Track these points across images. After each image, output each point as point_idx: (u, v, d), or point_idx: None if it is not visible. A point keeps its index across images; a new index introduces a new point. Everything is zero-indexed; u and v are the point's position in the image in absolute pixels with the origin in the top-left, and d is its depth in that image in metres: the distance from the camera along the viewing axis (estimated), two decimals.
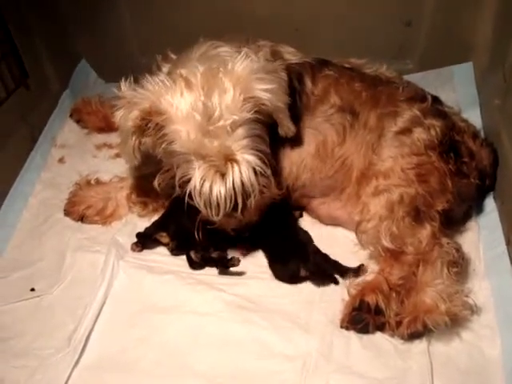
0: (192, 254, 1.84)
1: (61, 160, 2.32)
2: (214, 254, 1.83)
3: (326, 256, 1.81)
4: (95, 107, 2.46)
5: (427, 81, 2.28)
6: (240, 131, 1.59)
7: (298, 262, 1.76)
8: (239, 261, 1.79)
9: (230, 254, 1.88)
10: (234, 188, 1.57)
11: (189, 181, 1.60)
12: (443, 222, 1.77)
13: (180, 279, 1.81)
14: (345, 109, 1.91)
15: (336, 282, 1.77)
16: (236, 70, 1.60)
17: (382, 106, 1.89)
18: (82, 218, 2.03)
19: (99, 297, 1.74)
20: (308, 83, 1.93)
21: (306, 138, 1.92)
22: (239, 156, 1.58)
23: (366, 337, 1.63)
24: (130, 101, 1.61)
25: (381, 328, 1.64)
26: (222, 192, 1.57)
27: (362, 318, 1.63)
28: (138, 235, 1.93)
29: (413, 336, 1.59)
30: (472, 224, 1.92)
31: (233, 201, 1.60)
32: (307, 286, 1.79)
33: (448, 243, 1.72)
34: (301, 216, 2.04)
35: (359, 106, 1.91)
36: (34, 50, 2.35)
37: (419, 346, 1.59)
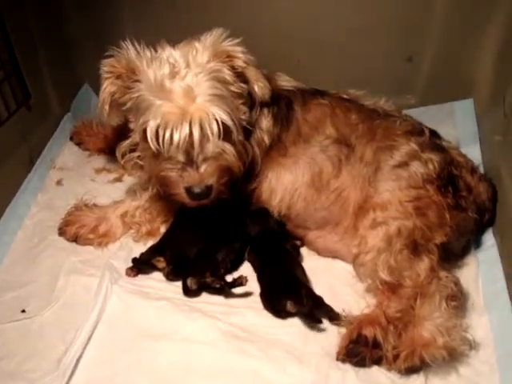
0: (188, 281, 1.80)
1: (59, 182, 2.31)
2: (209, 280, 1.79)
3: (319, 300, 1.74)
4: (96, 129, 2.49)
5: (428, 116, 2.29)
6: (206, 83, 1.65)
7: (291, 301, 1.70)
8: (247, 280, 1.78)
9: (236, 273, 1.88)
10: (191, 130, 1.61)
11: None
12: (441, 255, 1.76)
13: (174, 306, 1.78)
14: (341, 141, 1.93)
15: (320, 322, 1.71)
16: (209, 38, 1.73)
17: (379, 140, 1.91)
18: (76, 238, 2.01)
19: (91, 320, 1.70)
20: (297, 108, 1.97)
21: (301, 166, 1.95)
22: (202, 102, 1.63)
23: (362, 370, 1.60)
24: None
25: (378, 362, 1.61)
26: (182, 129, 1.61)
27: (359, 351, 1.60)
28: (134, 260, 1.90)
29: (410, 370, 1.56)
30: (471, 258, 1.92)
31: (191, 142, 1.63)
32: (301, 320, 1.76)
33: (446, 277, 1.71)
34: (302, 245, 2.02)
35: (355, 139, 1.93)
36: (37, 71, 2.37)
37: (416, 380, 1.57)
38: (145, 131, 1.66)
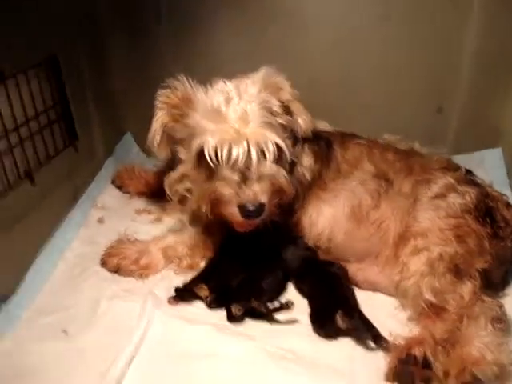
0: (233, 307, 1.80)
1: (100, 220, 2.36)
2: (255, 304, 1.80)
3: (368, 320, 1.76)
4: (138, 173, 2.58)
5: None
6: (258, 112, 1.76)
7: (342, 311, 1.72)
8: (293, 304, 1.78)
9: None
10: (249, 148, 1.69)
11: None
12: (483, 282, 1.77)
13: (218, 329, 1.78)
14: (379, 176, 2.01)
15: (378, 342, 1.70)
16: (258, 73, 1.86)
17: (416, 174, 1.99)
18: (117, 269, 2.03)
19: (133, 342, 1.70)
20: (337, 148, 2.07)
21: (341, 200, 2.02)
22: (256, 126, 1.73)
23: None
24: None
25: (427, 382, 1.57)
26: (240, 146, 1.68)
27: (409, 370, 1.58)
28: (177, 289, 1.91)
29: None
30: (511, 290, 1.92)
31: (247, 162, 1.71)
32: (348, 342, 1.74)
33: (491, 301, 1.72)
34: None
35: (393, 174, 2.00)
36: (86, 116, 2.50)
37: None
38: (199, 154, 1.75)
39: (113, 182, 2.63)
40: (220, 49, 2.55)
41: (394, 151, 2.08)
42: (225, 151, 1.69)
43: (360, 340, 1.72)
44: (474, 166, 2.45)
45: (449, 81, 2.50)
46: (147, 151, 2.75)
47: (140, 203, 2.51)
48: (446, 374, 1.55)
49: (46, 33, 2.13)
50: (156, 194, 2.45)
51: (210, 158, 1.71)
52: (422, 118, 2.56)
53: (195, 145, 1.75)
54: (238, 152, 1.68)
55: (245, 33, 2.56)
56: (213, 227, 2.06)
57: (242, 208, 1.72)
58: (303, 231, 2.06)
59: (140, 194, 2.55)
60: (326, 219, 2.02)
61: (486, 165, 2.37)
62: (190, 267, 2.06)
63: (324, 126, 2.15)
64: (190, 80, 1.86)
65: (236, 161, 1.70)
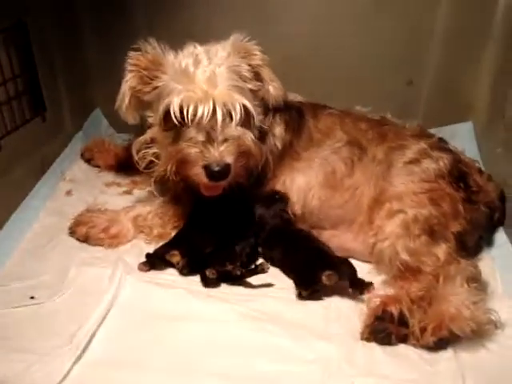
0: (207, 271, 1.76)
1: (68, 192, 2.30)
2: (230, 267, 1.76)
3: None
4: (107, 146, 2.54)
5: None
6: (227, 75, 1.73)
7: (329, 275, 1.68)
8: (268, 267, 1.75)
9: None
10: (214, 107, 1.66)
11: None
12: (458, 246, 1.78)
13: (190, 293, 1.73)
14: (352, 143, 2.00)
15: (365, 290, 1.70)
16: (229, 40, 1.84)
17: (390, 141, 1.99)
18: (86, 238, 1.97)
19: (104, 303, 1.64)
20: (309, 118, 2.06)
21: (314, 168, 2.00)
22: (224, 88, 1.70)
23: (389, 348, 1.55)
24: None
25: (404, 339, 1.57)
26: (206, 105, 1.66)
27: (385, 327, 1.56)
28: (148, 255, 1.87)
29: (439, 343, 1.52)
30: (485, 256, 1.93)
31: (213, 123, 1.68)
32: (322, 304, 1.72)
33: (466, 261, 1.72)
34: None
35: (366, 142, 2.00)
36: (55, 89, 2.45)
37: (445, 354, 1.52)
38: (166, 115, 1.72)
39: (82, 156, 2.57)
40: (195, 25, 2.52)
41: (366, 120, 2.08)
42: (190, 109, 1.66)
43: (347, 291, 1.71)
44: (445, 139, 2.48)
45: (419, 54, 2.52)
46: (117, 127, 2.74)
47: (110, 177, 2.46)
48: (423, 330, 1.54)
49: None
50: (126, 168, 2.41)
51: (175, 117, 1.68)
52: (393, 92, 2.57)
53: (162, 105, 1.73)
54: (203, 111, 1.66)
55: (219, 10, 2.54)
56: (183, 197, 2.03)
57: (207, 168, 1.69)
58: None
59: (110, 168, 2.49)
60: (299, 187, 2.00)
61: (458, 139, 2.37)
62: (161, 237, 2.01)
63: (295, 97, 2.14)
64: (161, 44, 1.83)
65: (201, 120, 1.67)
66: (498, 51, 2.38)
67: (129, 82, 1.83)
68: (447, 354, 1.51)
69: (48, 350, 1.48)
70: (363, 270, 1.85)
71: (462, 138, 2.46)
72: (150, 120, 1.87)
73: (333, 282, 1.69)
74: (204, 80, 1.70)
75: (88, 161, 2.54)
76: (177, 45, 1.84)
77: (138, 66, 1.82)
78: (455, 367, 1.46)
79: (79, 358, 1.45)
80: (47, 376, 1.39)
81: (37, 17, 2.26)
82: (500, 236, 1.97)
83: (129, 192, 2.32)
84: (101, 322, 1.58)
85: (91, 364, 1.45)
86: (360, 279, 1.72)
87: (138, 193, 2.32)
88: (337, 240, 1.97)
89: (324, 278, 1.67)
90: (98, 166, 2.52)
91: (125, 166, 2.42)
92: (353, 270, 1.73)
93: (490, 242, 1.97)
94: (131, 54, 1.83)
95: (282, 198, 1.99)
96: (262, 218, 1.99)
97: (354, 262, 1.90)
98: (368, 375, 1.44)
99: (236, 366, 1.47)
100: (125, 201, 2.22)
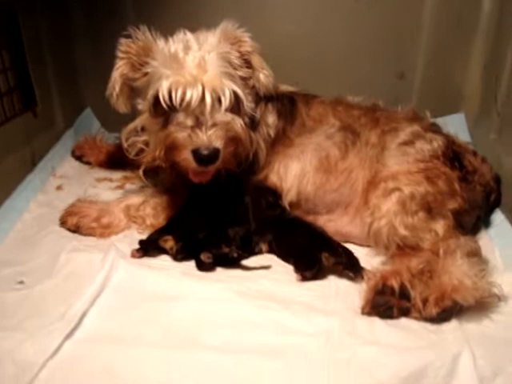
0: (202, 255, 1.72)
1: (59, 187, 2.25)
2: (226, 249, 1.72)
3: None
4: (99, 143, 2.52)
5: None
6: (217, 61, 1.72)
7: (326, 253, 1.67)
8: (266, 248, 1.71)
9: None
10: (203, 92, 1.65)
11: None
12: (455, 224, 1.76)
13: (185, 275, 1.69)
14: (345, 129, 1.99)
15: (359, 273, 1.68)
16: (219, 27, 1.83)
17: (383, 125, 1.98)
18: (77, 228, 1.92)
19: (97, 284, 1.59)
20: (301, 106, 2.05)
21: (308, 154, 1.98)
22: (214, 74, 1.69)
23: (391, 321, 1.50)
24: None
25: (406, 313, 1.53)
26: (195, 89, 1.64)
27: (386, 300, 1.52)
28: (141, 241, 1.82)
29: (442, 314, 1.48)
30: (483, 235, 1.91)
31: (202, 108, 1.66)
32: (320, 283, 1.69)
33: (465, 237, 1.70)
34: None
35: (359, 127, 2.00)
36: (46, 85, 2.44)
37: (450, 325, 1.48)
38: (155, 101, 1.71)
39: (73, 153, 2.54)
40: (185, 22, 2.51)
41: (358, 108, 2.08)
42: (179, 93, 1.64)
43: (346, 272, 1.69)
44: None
45: (409, 48, 2.55)
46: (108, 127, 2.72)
47: (101, 173, 2.42)
48: (425, 301, 1.50)
49: None
50: (118, 164, 2.39)
51: (164, 101, 1.66)
52: (385, 85, 2.58)
53: (151, 90, 1.71)
54: (192, 94, 1.64)
55: (209, 8, 2.57)
56: (176, 187, 2.00)
57: (196, 152, 1.66)
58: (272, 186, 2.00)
59: (101, 164, 2.46)
60: (294, 173, 1.97)
61: (449, 130, 2.38)
62: (153, 227, 1.96)
63: (286, 87, 2.13)
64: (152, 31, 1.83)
65: (190, 104, 1.66)
66: (486, 41, 2.41)
67: (120, 69, 1.82)
68: (452, 325, 1.47)
69: (39, 327, 1.42)
70: (360, 254, 1.82)
71: (454, 129, 2.44)
72: (140, 107, 1.85)
73: (331, 264, 1.67)
74: (194, 65, 1.69)
75: (79, 158, 2.51)
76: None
77: (129, 52, 1.81)
78: (461, 336, 1.41)
79: (71, 334, 1.40)
80: (38, 351, 1.33)
81: (28, 8, 2.26)
82: (497, 216, 1.96)
83: (121, 187, 2.29)
84: (93, 301, 1.53)
85: (83, 340, 1.40)
86: (357, 260, 1.70)
87: (130, 187, 2.27)
88: (333, 225, 1.94)
89: (323, 259, 1.65)
90: (89, 163, 2.49)
91: (117, 162, 2.39)
92: (349, 253, 1.71)
93: (487, 223, 1.96)
94: (122, 40, 1.82)
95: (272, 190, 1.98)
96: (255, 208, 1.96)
97: (351, 246, 1.88)
98: (371, 344, 1.40)
99: (234, 339, 1.43)
100: (117, 195, 2.18)
